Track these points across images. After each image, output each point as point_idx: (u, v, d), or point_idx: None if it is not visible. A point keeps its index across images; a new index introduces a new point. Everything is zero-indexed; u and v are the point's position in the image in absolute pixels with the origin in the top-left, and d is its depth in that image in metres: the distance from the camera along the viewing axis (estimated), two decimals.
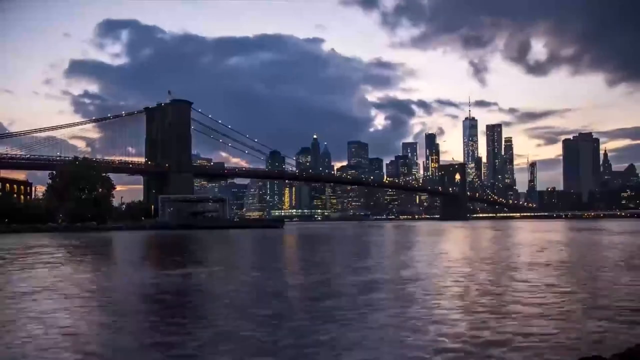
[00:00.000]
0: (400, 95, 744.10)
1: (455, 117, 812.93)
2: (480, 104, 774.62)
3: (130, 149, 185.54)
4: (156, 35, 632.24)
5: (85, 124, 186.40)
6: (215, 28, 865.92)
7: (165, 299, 16.33)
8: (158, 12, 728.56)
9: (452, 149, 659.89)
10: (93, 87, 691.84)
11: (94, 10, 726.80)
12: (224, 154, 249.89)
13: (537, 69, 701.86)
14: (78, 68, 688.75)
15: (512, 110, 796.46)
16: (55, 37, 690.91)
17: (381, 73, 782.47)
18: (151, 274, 24.24)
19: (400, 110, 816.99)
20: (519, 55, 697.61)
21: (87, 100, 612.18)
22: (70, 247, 46.75)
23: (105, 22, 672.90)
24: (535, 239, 54.26)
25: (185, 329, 11.77)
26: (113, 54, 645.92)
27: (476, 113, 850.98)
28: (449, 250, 38.84)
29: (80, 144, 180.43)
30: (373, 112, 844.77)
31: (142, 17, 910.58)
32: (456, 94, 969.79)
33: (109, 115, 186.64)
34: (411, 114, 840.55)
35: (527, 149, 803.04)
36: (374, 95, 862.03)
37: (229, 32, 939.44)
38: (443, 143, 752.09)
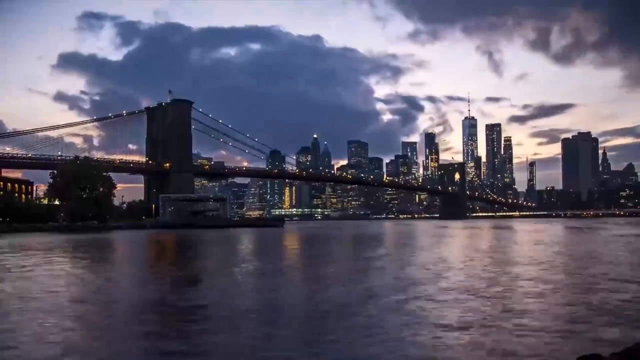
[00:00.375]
0: (408, 90, 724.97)
1: (462, 112, 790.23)
2: (492, 99, 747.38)
3: (131, 147, 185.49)
4: (143, 28, 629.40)
5: (86, 123, 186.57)
6: (202, 19, 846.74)
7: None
8: (144, 4, 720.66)
9: (457, 146, 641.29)
10: (85, 83, 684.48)
11: (77, 6, 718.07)
12: (224, 153, 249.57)
13: (558, 60, 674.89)
14: (69, 64, 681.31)
15: (525, 107, 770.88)
16: (44, 33, 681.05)
17: (386, 66, 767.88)
18: (148, 283, 24.25)
19: (409, 105, 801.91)
20: (536, 46, 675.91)
21: (82, 97, 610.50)
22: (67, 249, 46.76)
23: (89, 15, 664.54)
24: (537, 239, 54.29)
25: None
26: (100, 47, 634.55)
27: (489, 108, 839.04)
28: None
29: (81, 143, 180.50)
30: (378, 106, 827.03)
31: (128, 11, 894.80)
32: (466, 88, 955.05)
33: (109, 114, 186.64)
34: (419, 109, 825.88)
35: (529, 147, 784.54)
36: (379, 90, 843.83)
37: (216, 24, 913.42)
38: (443, 142, 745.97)
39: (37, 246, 46.47)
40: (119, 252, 43.42)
